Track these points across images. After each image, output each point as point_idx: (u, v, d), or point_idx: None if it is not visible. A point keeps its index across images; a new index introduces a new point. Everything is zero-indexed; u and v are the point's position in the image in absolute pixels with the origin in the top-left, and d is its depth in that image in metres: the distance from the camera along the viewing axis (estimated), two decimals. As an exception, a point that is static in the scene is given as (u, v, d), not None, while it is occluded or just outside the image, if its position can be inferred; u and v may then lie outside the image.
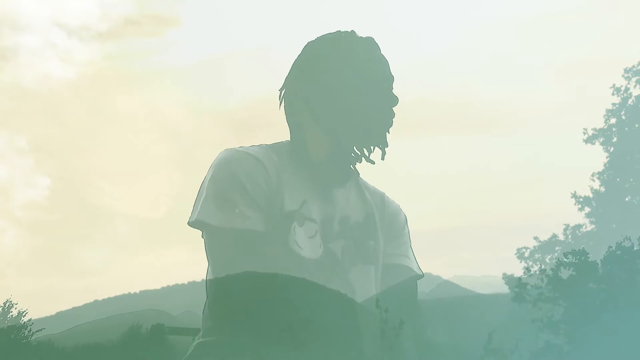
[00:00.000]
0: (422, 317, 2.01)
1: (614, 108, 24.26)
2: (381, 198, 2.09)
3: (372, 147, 1.98)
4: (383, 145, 1.98)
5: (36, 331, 8.24)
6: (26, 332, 8.13)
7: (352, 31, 2.02)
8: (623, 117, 24.06)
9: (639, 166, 23.62)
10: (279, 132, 2.05)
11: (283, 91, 2.01)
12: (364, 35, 2.01)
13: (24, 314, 8.47)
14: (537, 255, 24.08)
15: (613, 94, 24.37)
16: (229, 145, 1.98)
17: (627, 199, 23.70)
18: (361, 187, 2.07)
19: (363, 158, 1.99)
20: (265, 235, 1.83)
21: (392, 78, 1.99)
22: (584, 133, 24.45)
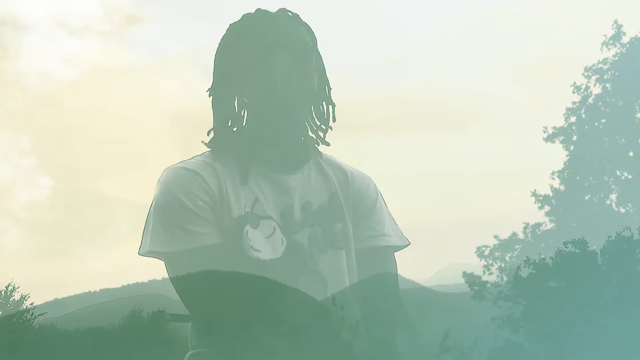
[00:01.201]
0: (396, 304, 1.97)
1: (574, 106, 24.57)
2: (345, 174, 2.02)
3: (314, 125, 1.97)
4: (325, 126, 1.99)
5: (38, 315, 8.39)
6: (28, 315, 8.28)
7: (259, 10, 1.96)
8: (583, 116, 24.38)
9: (598, 165, 23.96)
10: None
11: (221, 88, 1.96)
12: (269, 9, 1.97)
13: (26, 298, 8.57)
14: (497, 254, 24.31)
15: (573, 93, 24.68)
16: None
17: (586, 198, 24.03)
18: (322, 166, 2.00)
19: (317, 138, 1.98)
20: (221, 247, 1.82)
21: (299, 47, 1.92)
22: (544, 131, 24.72)
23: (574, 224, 23.63)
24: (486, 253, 24.20)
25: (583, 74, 24.62)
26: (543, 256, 1.98)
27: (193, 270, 1.80)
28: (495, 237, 24.47)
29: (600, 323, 1.82)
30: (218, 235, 1.83)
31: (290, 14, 1.97)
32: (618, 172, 23.82)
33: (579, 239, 1.98)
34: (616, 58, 24.09)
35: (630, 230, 2.00)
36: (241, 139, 1.93)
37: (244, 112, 1.94)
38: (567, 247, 1.96)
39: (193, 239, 1.80)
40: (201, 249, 1.80)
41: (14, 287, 8.55)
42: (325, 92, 2.00)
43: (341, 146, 2.06)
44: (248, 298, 1.77)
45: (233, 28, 1.98)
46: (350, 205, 1.99)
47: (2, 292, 8.40)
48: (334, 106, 2.00)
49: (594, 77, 24.43)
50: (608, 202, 23.87)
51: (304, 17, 1.99)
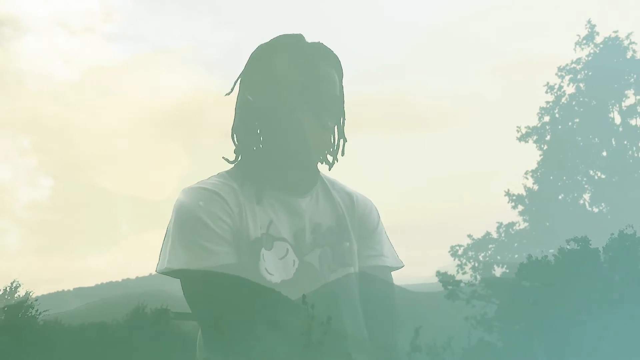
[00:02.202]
0: (396, 318, 2.08)
1: (548, 106, 24.80)
2: (350, 198, 2.13)
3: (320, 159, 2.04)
4: (333, 155, 2.06)
5: (43, 311, 8.57)
6: (33, 311, 8.49)
7: (301, 36, 2.04)
8: (557, 116, 24.62)
9: (572, 164, 24.20)
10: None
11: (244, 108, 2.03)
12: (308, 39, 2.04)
13: (30, 294, 8.84)
14: (470, 253, 24.45)
15: (547, 92, 24.93)
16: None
17: (560, 197, 24.27)
18: (329, 190, 2.11)
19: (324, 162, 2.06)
20: (236, 267, 1.87)
21: (335, 97, 2.02)
22: (518, 131, 24.93)
23: (548, 224, 23.84)
24: (460, 252, 24.32)
25: (556, 74, 24.90)
26: (545, 254, 2.02)
27: (209, 289, 1.86)
28: (469, 236, 24.63)
29: (602, 321, 1.84)
30: (235, 255, 1.89)
31: (325, 47, 2.03)
32: (591, 172, 24.08)
33: (581, 236, 2.02)
34: (589, 58, 24.36)
35: (632, 227, 2.04)
36: (258, 161, 2.00)
37: (264, 134, 2.00)
38: (570, 245, 2.00)
39: (212, 258, 1.86)
40: (219, 268, 1.85)
41: (18, 284, 8.66)
42: (342, 125, 2.09)
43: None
44: (261, 317, 1.83)
45: (268, 50, 2.03)
46: (356, 226, 2.10)
47: (7, 289, 8.50)
48: (345, 140, 2.09)
49: (567, 77, 24.70)
50: (581, 201, 24.12)
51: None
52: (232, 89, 2.05)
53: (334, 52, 2.05)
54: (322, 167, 2.10)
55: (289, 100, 1.96)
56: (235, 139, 2.03)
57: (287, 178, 1.99)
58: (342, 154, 2.08)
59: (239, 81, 2.05)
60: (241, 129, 2.02)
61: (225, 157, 2.04)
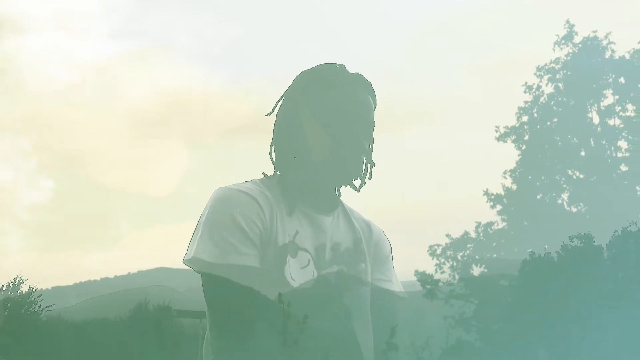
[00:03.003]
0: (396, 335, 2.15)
1: (526, 106, 24.94)
2: (368, 226, 2.25)
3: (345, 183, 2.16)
4: (361, 179, 2.16)
5: (46, 307, 8.65)
6: (36, 307, 8.57)
7: (343, 66, 2.16)
8: (535, 115, 24.78)
9: (550, 164, 24.36)
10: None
11: (282, 123, 2.14)
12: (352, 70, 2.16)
13: (33, 290, 8.81)
14: (448, 253, 24.56)
15: (525, 92, 25.08)
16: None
17: (538, 197, 24.43)
18: (349, 215, 2.22)
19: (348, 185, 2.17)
20: (260, 271, 1.95)
21: (372, 124, 2.14)
22: (496, 131, 25.07)
23: (526, 223, 24.01)
24: (438, 252, 24.41)
25: (535, 74, 25.07)
26: (548, 251, 2.04)
27: (230, 286, 1.92)
28: (447, 235, 24.72)
29: (605, 320, 1.86)
30: (259, 260, 1.97)
31: (364, 77, 2.16)
32: (570, 172, 24.27)
33: (584, 233, 2.03)
34: (568, 58, 24.56)
35: (636, 224, 2.05)
36: (293, 176, 2.12)
37: (301, 153, 2.12)
38: (573, 242, 2.02)
39: (238, 257, 1.93)
40: (242, 268, 1.93)
41: (21, 280, 8.75)
42: (371, 152, 2.20)
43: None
44: (274, 321, 1.85)
45: (311, 75, 2.15)
46: (371, 252, 2.22)
47: (10, 284, 8.59)
48: (373, 165, 2.20)
49: (546, 77, 24.88)
50: (560, 201, 24.29)
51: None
52: (273, 110, 2.17)
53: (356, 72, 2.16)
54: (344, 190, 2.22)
55: (328, 123, 2.08)
56: (272, 156, 2.15)
57: (316, 196, 2.11)
58: (370, 178, 2.19)
59: (280, 102, 2.16)
60: (279, 147, 2.14)
61: (264, 173, 2.14)
